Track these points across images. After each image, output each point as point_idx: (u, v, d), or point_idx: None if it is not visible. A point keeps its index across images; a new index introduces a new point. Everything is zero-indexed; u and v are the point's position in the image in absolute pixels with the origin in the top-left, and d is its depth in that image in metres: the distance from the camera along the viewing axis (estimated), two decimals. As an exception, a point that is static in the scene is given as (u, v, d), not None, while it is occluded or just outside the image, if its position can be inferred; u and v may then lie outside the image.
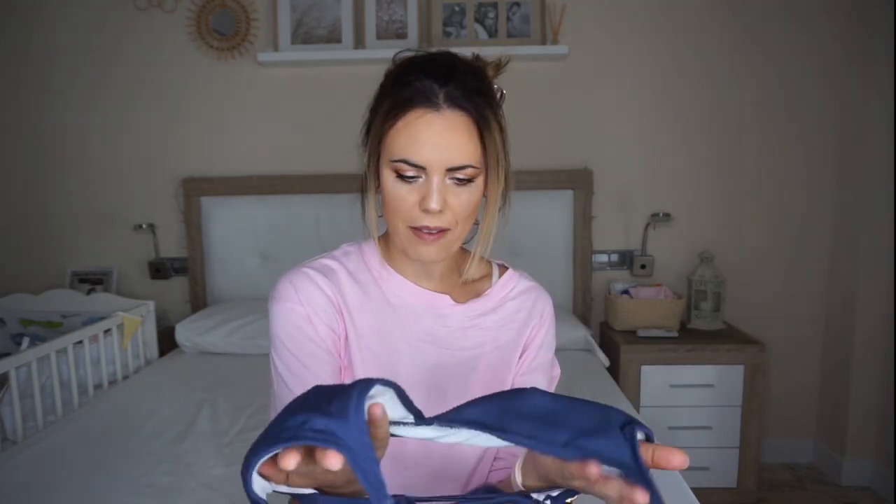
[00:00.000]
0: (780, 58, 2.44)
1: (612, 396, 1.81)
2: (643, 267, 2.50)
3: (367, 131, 0.77)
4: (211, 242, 2.53)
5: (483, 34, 2.43)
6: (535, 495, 0.60)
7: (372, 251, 0.83)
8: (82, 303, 2.33)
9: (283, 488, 0.50)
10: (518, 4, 2.41)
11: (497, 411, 0.52)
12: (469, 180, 0.72)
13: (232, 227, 2.51)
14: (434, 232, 0.72)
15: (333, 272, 0.79)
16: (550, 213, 2.46)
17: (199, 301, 2.56)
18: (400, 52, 0.77)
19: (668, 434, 2.20)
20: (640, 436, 0.48)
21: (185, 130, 2.57)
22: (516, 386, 0.83)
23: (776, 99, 2.46)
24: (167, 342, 2.37)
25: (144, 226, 2.56)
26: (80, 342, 1.91)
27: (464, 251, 0.87)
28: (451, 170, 0.71)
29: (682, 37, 2.46)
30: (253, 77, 2.53)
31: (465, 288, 0.84)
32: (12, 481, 1.35)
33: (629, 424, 0.48)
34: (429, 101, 0.70)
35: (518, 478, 0.62)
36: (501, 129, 0.77)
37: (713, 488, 2.21)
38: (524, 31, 2.42)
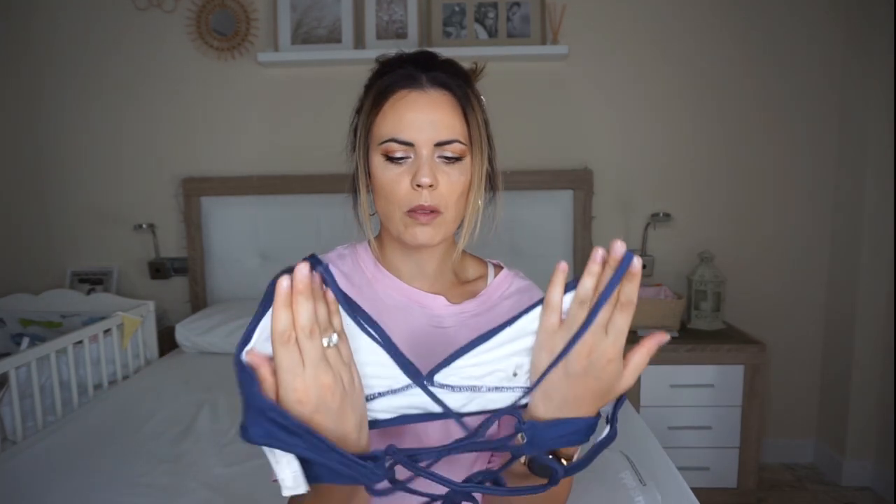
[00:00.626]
0: (780, 58, 2.44)
1: (612, 396, 1.81)
2: (643, 267, 2.49)
3: (354, 133, 0.79)
4: (211, 242, 2.53)
5: (483, 34, 2.43)
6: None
7: (366, 252, 0.83)
8: (82, 303, 2.33)
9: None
10: (518, 4, 2.41)
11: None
12: (458, 159, 0.74)
13: (232, 227, 2.51)
14: (428, 212, 0.72)
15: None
16: (550, 214, 2.46)
17: (199, 301, 2.56)
18: (381, 55, 0.80)
19: (668, 434, 2.20)
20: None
21: (185, 130, 2.57)
22: None
23: (776, 99, 2.46)
24: (167, 342, 2.37)
25: (144, 226, 2.56)
26: (80, 342, 1.91)
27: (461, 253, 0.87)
28: (438, 145, 0.72)
29: (682, 36, 2.46)
30: (253, 77, 2.53)
31: (460, 288, 0.84)
32: (12, 481, 1.35)
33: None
34: (412, 82, 0.74)
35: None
36: (483, 114, 0.79)
37: (713, 488, 2.21)
38: (524, 31, 2.42)
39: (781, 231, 2.52)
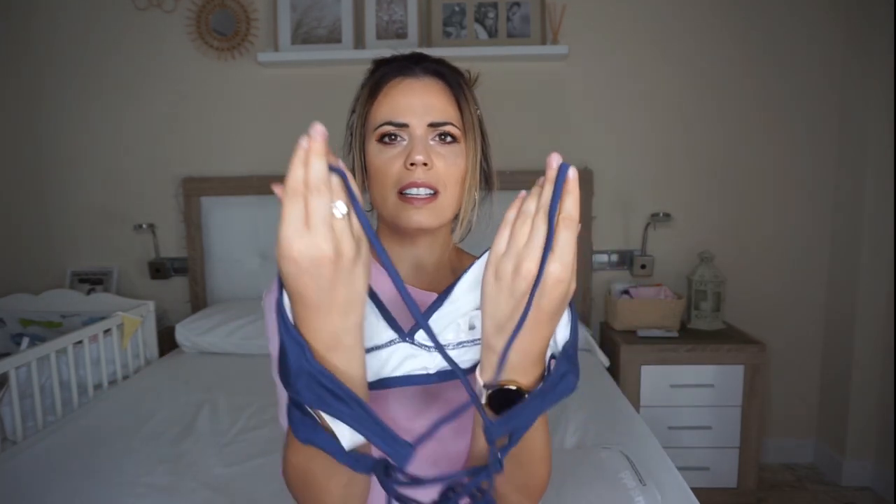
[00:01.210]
0: (780, 58, 2.44)
1: (612, 396, 1.81)
2: (643, 267, 2.50)
3: (351, 132, 0.80)
4: (211, 242, 2.53)
5: (483, 34, 2.43)
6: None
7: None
8: (82, 303, 2.33)
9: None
10: (518, 4, 2.41)
11: None
12: (453, 140, 0.74)
13: (232, 227, 2.51)
14: (423, 196, 0.72)
15: None
16: (550, 213, 2.45)
17: (199, 301, 2.56)
18: (377, 57, 0.82)
19: (668, 434, 2.19)
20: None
21: (185, 130, 2.57)
22: None
23: (776, 99, 2.46)
24: (167, 342, 2.37)
25: (144, 226, 2.56)
26: (80, 342, 1.91)
27: (457, 250, 0.87)
28: (432, 125, 0.73)
29: (682, 36, 2.46)
30: (253, 77, 2.53)
31: None
32: (12, 481, 1.35)
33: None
34: (406, 70, 0.75)
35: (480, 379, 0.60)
36: (477, 107, 0.80)
37: (713, 488, 2.21)
38: (524, 31, 2.42)
39: (781, 231, 2.52)
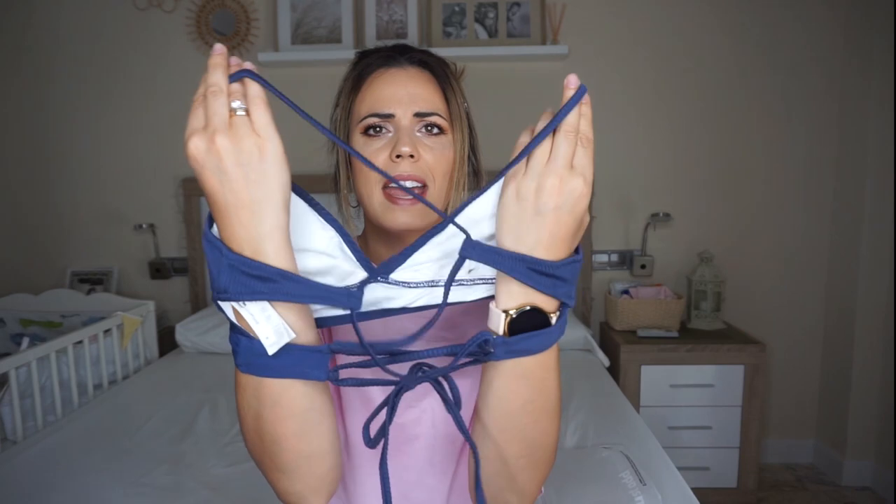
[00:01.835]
0: (779, 58, 2.44)
1: (612, 396, 1.81)
2: (643, 267, 2.50)
3: (335, 126, 0.77)
4: (211, 242, 2.53)
5: (483, 34, 2.43)
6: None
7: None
8: (82, 303, 2.33)
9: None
10: (518, 4, 2.41)
11: None
12: (440, 132, 0.72)
13: (232, 227, 2.51)
14: (408, 197, 0.69)
15: None
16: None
17: (199, 301, 2.56)
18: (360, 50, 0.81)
19: (668, 434, 2.20)
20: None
21: (185, 130, 2.56)
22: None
23: (776, 99, 2.46)
24: (167, 342, 2.37)
25: (144, 226, 2.56)
26: (80, 342, 1.91)
27: None
28: (418, 116, 0.71)
29: (681, 37, 2.46)
30: (253, 77, 2.52)
31: None
32: (12, 481, 1.35)
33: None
34: (391, 61, 0.73)
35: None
36: (464, 99, 0.77)
37: (713, 488, 2.21)
38: (524, 31, 2.42)
39: (781, 231, 2.52)
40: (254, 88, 0.51)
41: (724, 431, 2.21)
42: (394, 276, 0.57)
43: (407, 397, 0.73)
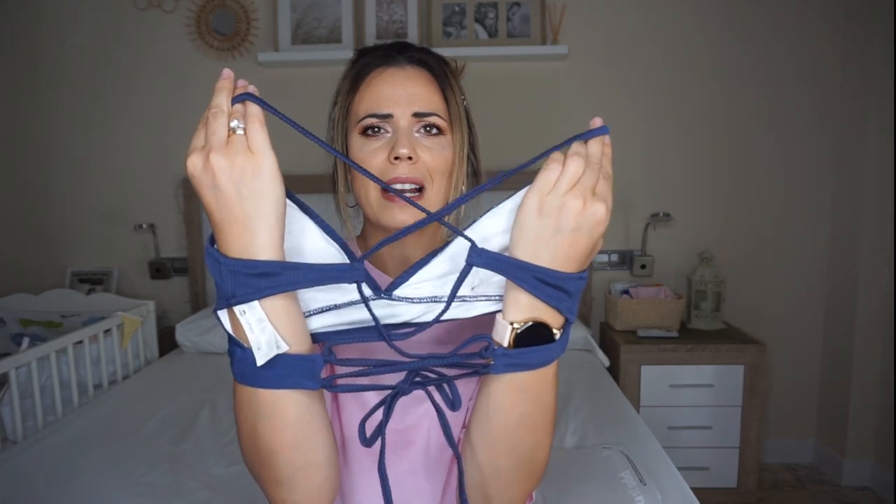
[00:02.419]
0: (779, 58, 2.44)
1: (612, 396, 1.81)
2: (643, 267, 2.50)
3: (333, 126, 0.77)
4: (211, 242, 2.53)
5: (483, 34, 2.43)
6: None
7: (353, 249, 0.82)
8: (82, 303, 2.33)
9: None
10: (518, 4, 2.41)
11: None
12: (439, 132, 0.72)
13: (232, 227, 2.51)
14: (408, 190, 0.69)
15: None
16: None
17: (199, 301, 2.56)
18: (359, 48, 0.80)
19: (668, 434, 2.20)
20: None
21: (185, 130, 2.56)
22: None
23: (776, 99, 2.46)
24: (167, 342, 2.37)
25: (144, 226, 2.56)
26: (80, 342, 1.91)
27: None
28: (417, 116, 0.70)
29: (681, 37, 2.46)
30: (253, 77, 2.49)
31: None
32: (12, 481, 1.35)
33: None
34: (389, 60, 0.73)
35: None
36: (464, 98, 0.77)
37: (713, 488, 2.21)
38: (524, 31, 2.42)
39: (781, 231, 2.52)
40: (252, 108, 0.53)
41: (724, 431, 2.21)
42: (397, 292, 0.57)
43: (404, 403, 0.73)
